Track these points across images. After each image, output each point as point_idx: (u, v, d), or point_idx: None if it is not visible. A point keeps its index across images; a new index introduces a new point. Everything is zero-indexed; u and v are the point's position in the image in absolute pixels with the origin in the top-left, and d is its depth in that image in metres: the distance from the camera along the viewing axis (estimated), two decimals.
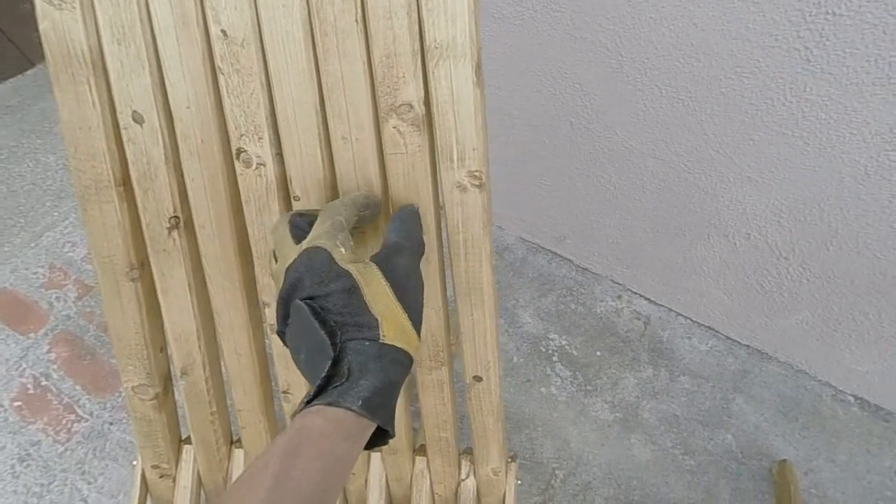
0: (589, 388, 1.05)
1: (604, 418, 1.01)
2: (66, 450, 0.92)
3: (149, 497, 0.59)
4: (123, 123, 0.36)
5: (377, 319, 0.28)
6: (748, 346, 1.10)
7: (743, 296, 1.00)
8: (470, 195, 0.37)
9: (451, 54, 0.31)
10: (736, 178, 0.79)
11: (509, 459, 0.56)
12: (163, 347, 0.51)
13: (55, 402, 0.98)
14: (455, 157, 0.35)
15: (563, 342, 1.10)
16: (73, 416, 0.96)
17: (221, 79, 0.34)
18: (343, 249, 0.29)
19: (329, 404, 0.25)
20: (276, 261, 0.32)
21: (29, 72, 1.66)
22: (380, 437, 0.28)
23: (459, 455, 0.57)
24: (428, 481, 0.58)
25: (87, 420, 0.96)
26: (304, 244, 0.30)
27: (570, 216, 1.09)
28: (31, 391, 0.99)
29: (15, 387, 1.00)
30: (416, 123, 0.34)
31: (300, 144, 0.36)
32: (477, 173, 0.35)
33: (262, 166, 0.37)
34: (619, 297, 1.18)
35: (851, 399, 1.03)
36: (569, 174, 0.99)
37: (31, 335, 1.07)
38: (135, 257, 0.43)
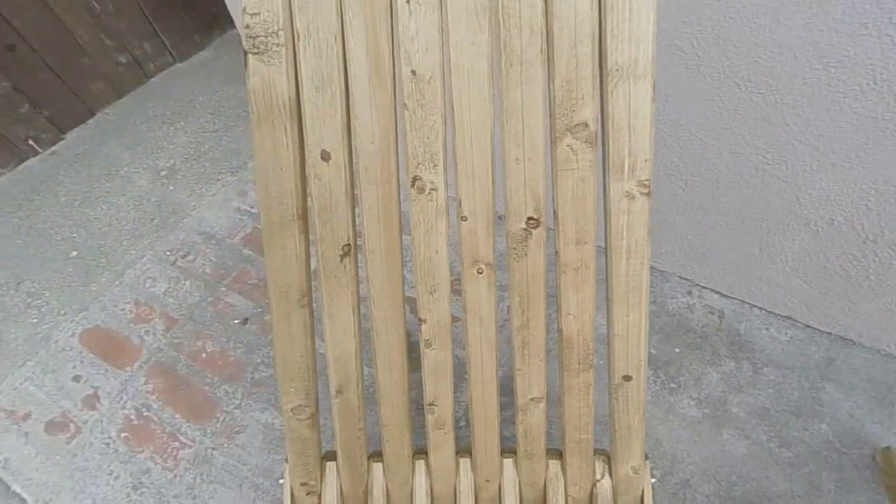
0: (673, 385, 1.05)
1: (692, 415, 1.01)
2: (175, 476, 0.96)
3: None
4: (312, 162, 0.39)
5: None
6: (830, 333, 1.09)
7: (825, 282, 0.99)
8: (637, 203, 0.39)
9: (632, 74, 0.34)
10: (819, 165, 0.80)
11: (645, 458, 0.57)
12: (315, 371, 0.54)
13: (159, 431, 1.03)
14: (626, 169, 0.37)
15: None
16: (177, 444, 1.01)
17: (406, 114, 0.37)
18: None
19: None
20: None
21: (90, 121, 1.76)
22: None
23: (593, 456, 0.58)
24: (563, 484, 0.60)
25: (190, 447, 1.00)
26: None
27: None
28: (134, 422, 1.04)
29: (120, 419, 1.05)
30: (590, 140, 0.37)
31: (473, 168, 0.39)
32: (646, 182, 0.38)
33: (434, 191, 0.40)
34: (690, 292, 1.17)
35: None
36: None
37: (128, 368, 1.12)
38: (305, 285, 0.46)
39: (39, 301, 1.26)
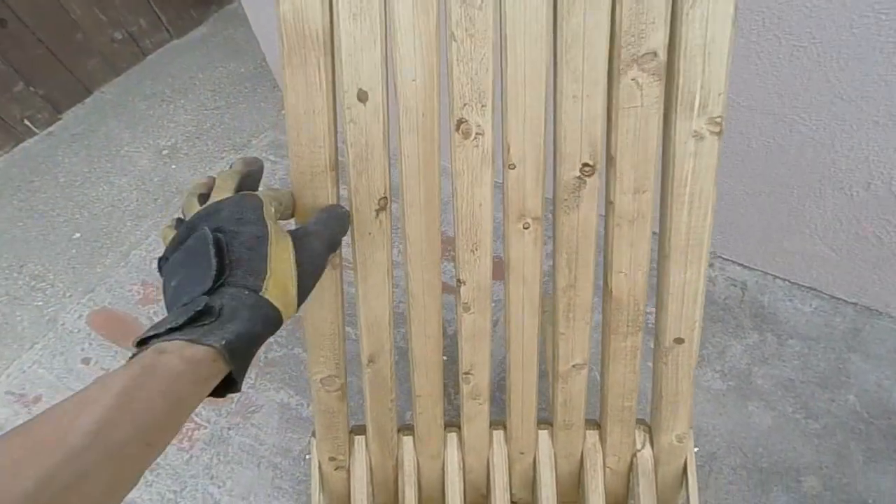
0: (696, 358, 1.02)
1: (717, 388, 0.99)
2: (191, 457, 0.95)
3: (321, 491, 0.60)
4: (347, 103, 0.36)
5: (268, 272, 0.28)
6: (856, 303, 1.06)
7: (854, 251, 0.96)
8: (706, 144, 0.35)
9: None
10: (861, 123, 0.76)
11: (690, 426, 0.55)
12: (344, 339, 0.51)
13: None
14: (696, 105, 0.34)
15: None
16: (192, 425, 0.99)
17: (453, 46, 0.34)
18: (273, 210, 0.32)
19: (191, 341, 0.25)
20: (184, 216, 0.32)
21: (87, 100, 1.70)
22: (224, 388, 0.27)
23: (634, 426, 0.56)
24: (601, 455, 0.57)
25: (206, 427, 0.98)
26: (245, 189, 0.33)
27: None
28: None
29: None
30: (658, 73, 0.33)
31: (525, 108, 0.35)
32: (718, 119, 0.34)
33: (480, 136, 0.37)
34: (711, 264, 1.15)
35: None
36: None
37: None
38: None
39: (44, 284, 1.23)
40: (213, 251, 0.27)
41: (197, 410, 1.00)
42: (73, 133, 1.60)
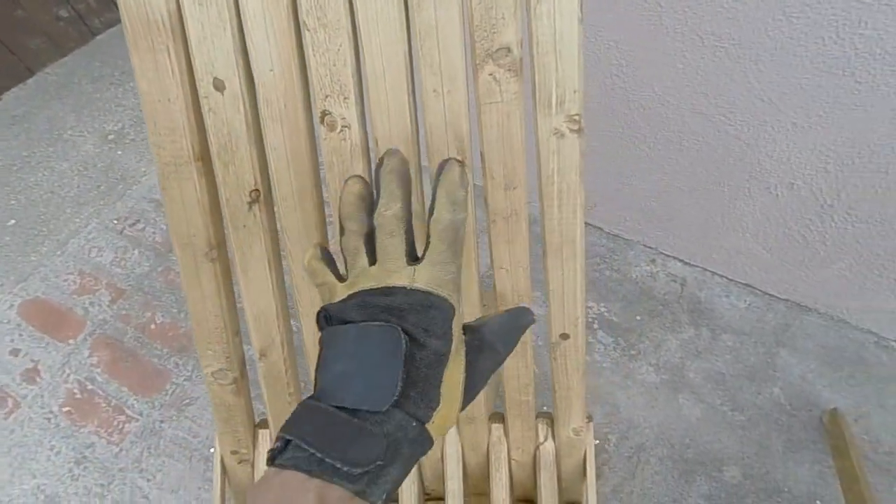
0: (633, 352, 1.05)
1: (650, 381, 1.02)
2: (121, 450, 0.93)
3: (227, 484, 0.59)
4: (203, 92, 0.35)
5: (440, 402, 0.24)
6: (787, 300, 1.10)
7: (784, 249, 0.99)
8: (567, 142, 0.35)
9: None
10: (780, 125, 0.78)
11: (588, 419, 0.56)
12: (237, 331, 0.50)
13: (104, 405, 0.98)
14: (554, 102, 0.34)
15: (602, 309, 1.10)
16: (123, 417, 0.97)
17: (307, 35, 0.33)
18: (459, 307, 0.26)
19: (357, 494, 0.21)
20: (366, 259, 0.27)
21: (29, 80, 1.63)
22: None
23: (536, 419, 0.57)
24: (506, 448, 0.58)
25: (137, 420, 0.96)
26: (427, 278, 0.25)
27: (600, 183, 1.08)
28: (78, 396, 0.99)
29: (62, 393, 1.00)
30: (514, 68, 0.33)
31: (388, 102, 0.35)
32: (576, 117, 0.34)
33: (346, 129, 0.36)
34: (653, 260, 1.17)
35: (895, 345, 1.02)
36: (599, 138, 0.98)
37: (71, 341, 1.06)
38: (213, 237, 0.42)
39: None
40: (401, 363, 0.23)
41: (129, 403, 0.98)
42: (13, 115, 1.53)
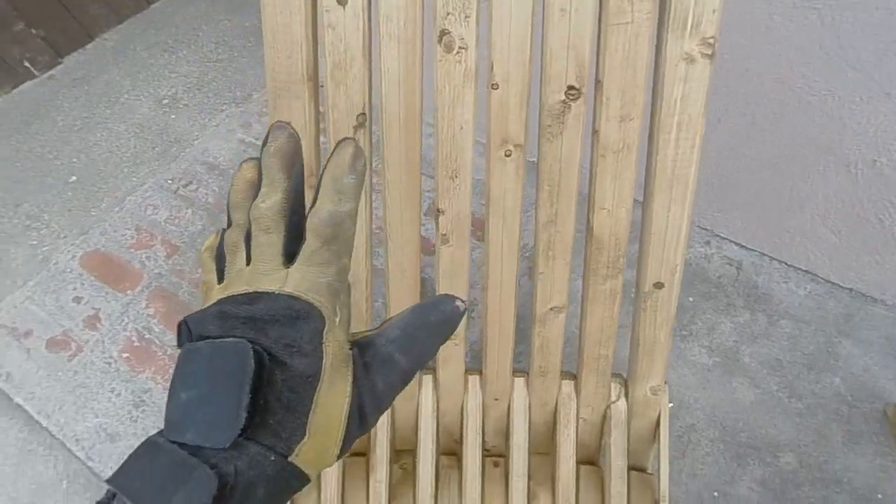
0: (684, 333, 1.02)
1: (702, 363, 0.99)
2: None
3: None
4: (326, 5, 0.34)
5: (305, 435, 0.20)
6: (851, 289, 1.05)
7: (854, 233, 0.94)
8: (697, 68, 0.34)
9: None
10: (870, 96, 0.74)
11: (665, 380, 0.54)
12: None
13: (160, 354, 1.02)
14: (689, 23, 0.32)
15: None
16: None
17: None
18: (337, 320, 0.22)
19: None
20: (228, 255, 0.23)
21: (89, 45, 1.68)
22: None
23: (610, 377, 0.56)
24: (575, 405, 0.57)
25: None
26: (297, 282, 0.21)
27: None
28: (136, 344, 1.03)
29: (121, 340, 1.03)
30: None
31: (511, 21, 0.34)
32: (711, 40, 0.33)
33: (463, 50, 0.35)
34: (708, 242, 1.13)
35: None
36: None
37: (129, 292, 1.10)
38: (314, 163, 0.42)
39: (39, 224, 1.23)
40: (247, 390, 0.19)
41: None
42: (74, 78, 1.58)
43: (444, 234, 0.44)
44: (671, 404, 0.94)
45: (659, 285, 0.45)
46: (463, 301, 0.24)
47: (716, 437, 0.91)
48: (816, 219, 0.97)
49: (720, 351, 1.00)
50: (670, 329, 0.48)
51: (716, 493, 0.86)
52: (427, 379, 0.58)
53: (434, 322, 0.23)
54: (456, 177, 0.41)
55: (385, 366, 0.22)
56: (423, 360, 0.23)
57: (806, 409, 0.93)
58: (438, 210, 0.43)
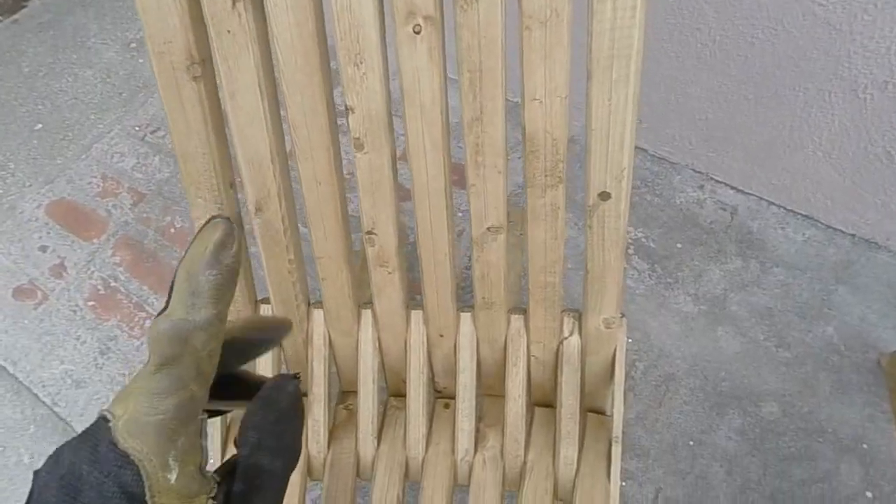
0: (669, 280, 0.97)
1: (687, 311, 0.94)
2: (142, 343, 0.94)
3: None
4: None
5: None
6: (853, 234, 0.98)
7: (860, 170, 0.86)
8: None
9: None
10: (885, 5, 0.64)
11: (621, 314, 0.49)
12: (232, 183, 0.45)
13: (125, 302, 0.99)
14: None
15: (639, 234, 1.01)
16: (143, 314, 0.97)
17: None
18: (172, 477, 0.16)
19: None
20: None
21: None
22: None
23: (562, 310, 0.51)
24: (525, 341, 0.53)
25: None
26: (129, 416, 0.16)
27: (649, 93, 0.96)
28: (101, 292, 1.01)
29: (87, 288, 1.01)
30: None
31: None
32: None
33: None
34: (702, 186, 1.06)
35: None
36: (654, 32, 0.85)
37: (95, 241, 1.07)
38: (195, 49, 0.36)
39: (4, 172, 1.20)
40: None
41: (150, 301, 0.98)
42: (39, 22, 1.50)
43: (357, 138, 0.39)
44: (650, 353, 0.89)
45: (604, 195, 0.39)
46: (297, 375, 0.22)
47: (696, 387, 0.87)
48: (820, 155, 0.89)
49: (707, 299, 0.95)
50: (621, 251, 0.42)
51: (691, 442, 0.82)
52: (366, 312, 0.54)
53: (286, 407, 0.20)
54: (361, 63, 0.35)
55: (261, 485, 0.18)
56: (295, 452, 0.20)
57: (794, 358, 0.88)
58: (347, 108, 0.37)
